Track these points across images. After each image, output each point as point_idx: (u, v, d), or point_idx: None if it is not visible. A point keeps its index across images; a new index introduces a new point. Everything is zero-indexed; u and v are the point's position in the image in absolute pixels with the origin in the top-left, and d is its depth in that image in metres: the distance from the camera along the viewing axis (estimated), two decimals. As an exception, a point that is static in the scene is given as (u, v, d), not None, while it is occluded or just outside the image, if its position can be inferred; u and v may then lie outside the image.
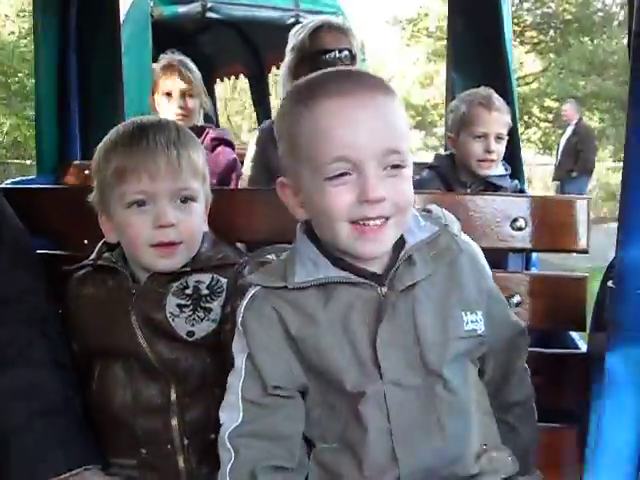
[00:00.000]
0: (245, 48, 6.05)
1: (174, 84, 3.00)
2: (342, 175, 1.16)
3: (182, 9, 4.92)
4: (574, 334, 1.90)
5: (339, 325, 1.22)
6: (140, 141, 1.39)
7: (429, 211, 1.38)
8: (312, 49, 2.40)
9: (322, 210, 1.19)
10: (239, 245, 1.88)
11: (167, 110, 2.97)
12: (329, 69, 1.27)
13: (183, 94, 3.00)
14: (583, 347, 1.77)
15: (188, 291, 1.43)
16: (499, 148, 2.61)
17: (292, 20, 4.94)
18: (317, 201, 1.19)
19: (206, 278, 1.44)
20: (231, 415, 1.25)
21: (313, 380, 1.25)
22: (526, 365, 1.41)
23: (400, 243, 1.26)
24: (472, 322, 1.27)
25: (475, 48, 2.94)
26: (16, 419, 1.38)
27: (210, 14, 4.93)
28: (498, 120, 2.61)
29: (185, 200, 1.42)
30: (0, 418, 1.38)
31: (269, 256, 2.08)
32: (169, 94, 3.00)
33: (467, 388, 1.27)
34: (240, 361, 1.26)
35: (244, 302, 1.27)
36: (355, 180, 1.16)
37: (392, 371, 1.21)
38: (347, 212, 1.17)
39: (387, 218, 1.18)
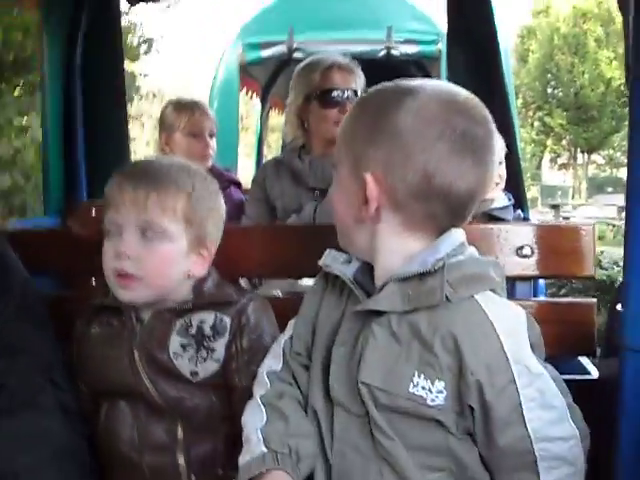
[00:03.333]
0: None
1: (205, 124, 3.02)
2: None
3: (266, 53, 4.84)
4: (584, 360, 1.88)
5: (328, 316, 1.29)
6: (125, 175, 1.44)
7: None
8: (322, 88, 2.44)
9: None
10: (242, 282, 1.88)
11: (194, 149, 2.96)
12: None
13: (209, 134, 3.02)
14: (594, 373, 1.76)
15: (191, 331, 1.42)
16: (501, 172, 2.61)
17: (384, 53, 4.64)
18: None
19: (209, 317, 1.43)
20: (275, 360, 1.35)
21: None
22: None
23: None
24: (423, 388, 1.11)
25: (472, 73, 2.95)
26: (25, 464, 1.37)
27: (297, 54, 4.66)
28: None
29: (146, 232, 1.39)
30: (9, 463, 1.37)
31: (274, 292, 2.11)
32: (194, 134, 3.01)
33: (417, 452, 1.14)
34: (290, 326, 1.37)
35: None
36: None
37: (337, 389, 1.20)
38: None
39: None
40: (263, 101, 5.85)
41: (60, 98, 2.73)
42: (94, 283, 1.84)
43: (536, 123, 23.47)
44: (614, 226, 10.90)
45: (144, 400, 1.41)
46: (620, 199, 14.41)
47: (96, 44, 2.77)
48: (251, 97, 5.81)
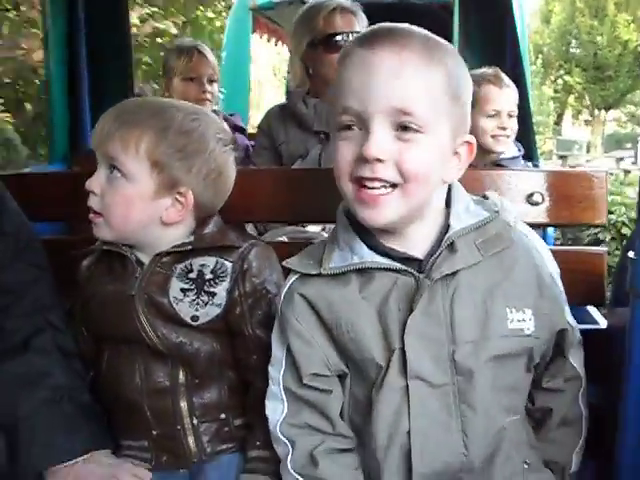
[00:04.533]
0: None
1: (203, 69, 2.98)
2: (347, 128, 1.12)
3: None
4: (592, 310, 1.87)
5: (374, 312, 1.17)
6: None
7: (485, 197, 1.27)
8: (325, 32, 2.39)
9: (334, 166, 1.16)
10: (249, 228, 1.86)
11: (190, 94, 2.93)
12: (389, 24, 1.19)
13: (208, 79, 2.98)
14: (602, 322, 1.74)
15: (192, 275, 1.40)
16: (512, 125, 2.59)
17: None
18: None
19: (210, 262, 1.41)
20: (275, 406, 1.25)
21: (352, 373, 1.22)
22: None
23: (444, 227, 1.19)
24: (518, 320, 1.18)
25: (484, 29, 2.90)
26: (23, 407, 1.38)
27: None
28: (509, 97, 2.59)
29: (113, 171, 1.37)
30: (7, 406, 1.38)
31: (280, 238, 2.08)
32: (192, 79, 2.96)
33: (502, 394, 1.19)
34: (280, 352, 1.25)
35: (283, 290, 1.25)
36: (359, 135, 1.11)
37: (418, 365, 1.14)
38: (348, 169, 1.12)
39: (392, 186, 1.12)
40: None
41: (64, 48, 2.69)
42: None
43: (559, 81, 24.82)
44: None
45: (145, 345, 1.40)
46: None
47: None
48: (275, 44, 5.71)
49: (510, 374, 1.20)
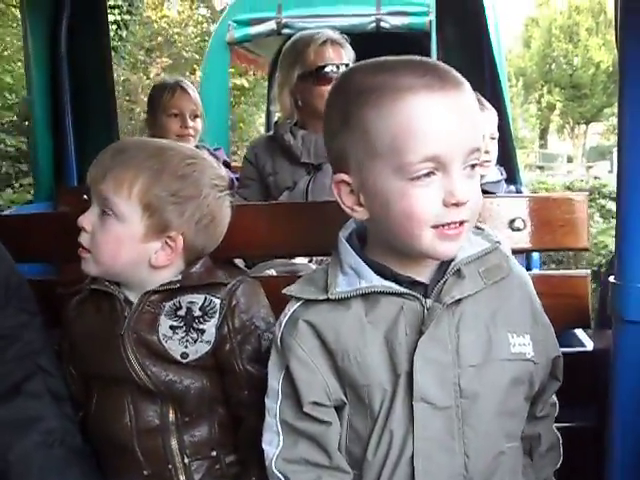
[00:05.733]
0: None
1: (185, 104, 3.01)
2: (428, 175, 1.09)
3: (255, 30, 4.78)
4: (579, 332, 1.89)
5: (381, 336, 1.17)
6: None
7: (480, 229, 1.28)
8: (316, 64, 2.42)
9: (402, 212, 1.10)
10: (239, 261, 1.86)
11: (172, 130, 2.97)
12: (396, 58, 1.16)
13: (191, 115, 3.01)
14: (589, 345, 1.76)
15: (181, 312, 1.40)
16: (494, 148, 2.60)
17: (373, 25, 4.55)
18: (395, 201, 1.10)
19: (199, 299, 1.41)
20: (271, 438, 1.23)
21: (350, 399, 1.21)
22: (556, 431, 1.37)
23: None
24: (520, 345, 1.20)
25: (462, 50, 2.93)
26: (15, 451, 1.37)
27: (286, 30, 4.61)
28: (490, 120, 2.59)
29: (105, 210, 1.38)
30: (0, 450, 1.37)
31: (268, 271, 2.09)
32: (176, 115, 3.00)
33: (504, 419, 1.20)
34: (276, 382, 1.23)
35: (284, 320, 1.23)
36: (440, 180, 1.09)
37: (425, 389, 1.15)
38: (433, 215, 1.10)
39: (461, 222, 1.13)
40: (270, 77, 5.75)
41: (47, 86, 2.71)
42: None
43: (543, 99, 27.29)
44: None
45: (134, 384, 1.40)
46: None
47: (82, 29, 2.75)
48: (254, 74, 5.78)
49: (512, 400, 1.21)
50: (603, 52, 23.72)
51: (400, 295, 1.17)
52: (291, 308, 1.24)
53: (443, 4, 2.82)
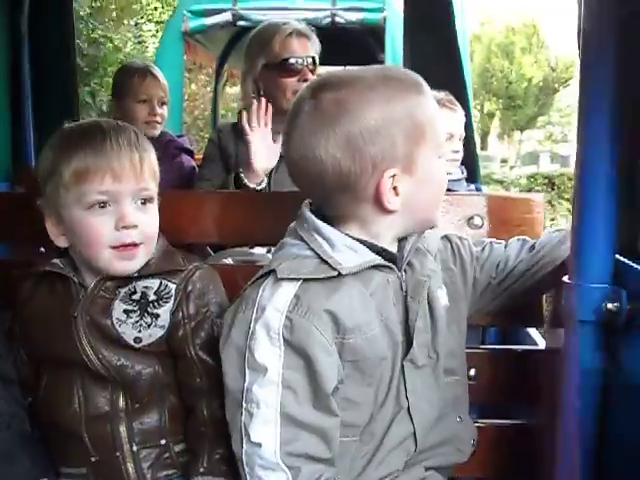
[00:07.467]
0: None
1: (154, 91, 2.96)
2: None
3: (210, 20, 4.76)
4: (532, 331, 1.91)
5: (378, 308, 1.25)
6: (103, 142, 1.35)
7: None
8: (281, 56, 2.39)
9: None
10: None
11: (140, 116, 2.91)
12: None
13: (159, 101, 2.96)
14: (541, 343, 1.78)
15: (135, 296, 1.40)
16: (460, 147, 2.63)
17: (328, 20, 4.59)
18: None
19: (154, 284, 1.41)
20: (267, 431, 1.18)
21: (348, 372, 1.23)
22: None
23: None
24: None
25: (429, 53, 2.95)
26: None
27: (241, 22, 4.67)
28: (460, 120, 2.62)
29: (145, 202, 1.40)
30: None
31: (225, 260, 2.08)
32: (144, 100, 2.94)
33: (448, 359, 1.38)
34: (275, 373, 1.18)
35: (287, 305, 1.19)
36: None
37: (417, 351, 1.29)
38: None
39: None
40: (217, 72, 5.80)
41: (6, 65, 2.64)
42: (43, 250, 1.79)
43: (479, 107, 30.44)
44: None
45: (85, 368, 1.38)
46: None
47: (44, 7, 2.69)
48: (200, 67, 5.77)
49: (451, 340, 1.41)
50: (535, 69, 27.69)
51: (384, 268, 1.26)
52: (288, 293, 1.20)
53: (413, 14, 2.83)
